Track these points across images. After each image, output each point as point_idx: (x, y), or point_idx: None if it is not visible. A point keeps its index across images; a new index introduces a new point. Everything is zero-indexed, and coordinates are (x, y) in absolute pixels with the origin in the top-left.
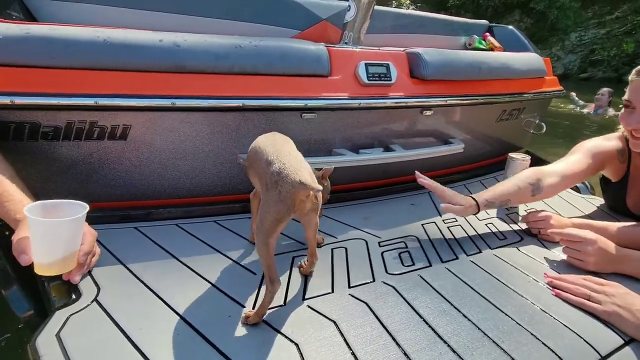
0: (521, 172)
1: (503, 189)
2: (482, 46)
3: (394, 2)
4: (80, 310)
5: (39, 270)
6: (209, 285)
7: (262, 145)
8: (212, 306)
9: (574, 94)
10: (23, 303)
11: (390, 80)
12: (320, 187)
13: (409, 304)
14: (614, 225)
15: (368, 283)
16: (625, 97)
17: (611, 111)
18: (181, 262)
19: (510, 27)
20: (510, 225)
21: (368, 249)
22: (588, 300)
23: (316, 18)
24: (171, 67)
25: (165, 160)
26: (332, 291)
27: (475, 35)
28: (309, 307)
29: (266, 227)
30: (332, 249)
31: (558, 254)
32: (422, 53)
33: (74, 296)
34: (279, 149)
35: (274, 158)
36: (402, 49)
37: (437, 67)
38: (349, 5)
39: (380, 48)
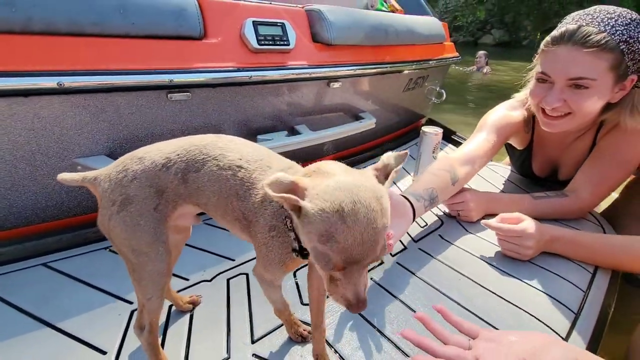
0: (432, 165)
1: (424, 181)
2: (383, 8)
3: None
4: None
5: None
6: None
7: None
8: None
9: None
10: None
11: (288, 44)
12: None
13: (329, 344)
14: (525, 199)
15: (277, 329)
16: (540, 69)
17: (488, 69)
18: None
19: None
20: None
21: None
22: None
23: None
24: None
25: None
26: (228, 355)
27: None
28: None
29: None
30: (227, 280)
31: (480, 236)
32: (325, 11)
33: None
34: None
35: None
36: (298, 5)
37: (343, 30)
38: None
39: (272, 2)
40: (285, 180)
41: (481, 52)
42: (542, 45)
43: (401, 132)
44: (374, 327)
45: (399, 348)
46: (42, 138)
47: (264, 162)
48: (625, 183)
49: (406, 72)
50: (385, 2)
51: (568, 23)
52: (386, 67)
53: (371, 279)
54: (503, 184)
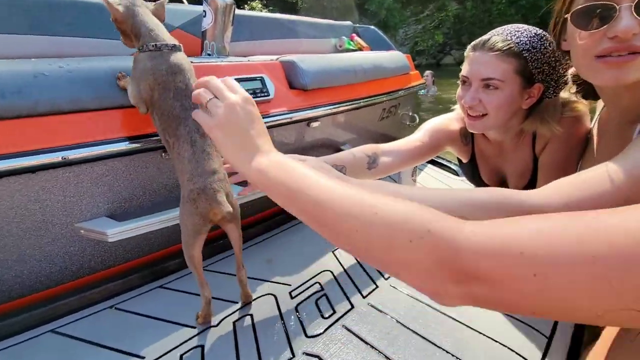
0: (358, 147)
1: (339, 155)
2: (351, 47)
3: (246, 6)
4: None
5: None
6: None
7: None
8: None
9: None
10: None
11: (269, 95)
12: (229, 209)
13: None
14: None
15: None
16: (463, 72)
17: (434, 89)
18: None
19: (373, 27)
20: None
21: (279, 307)
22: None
23: (167, 27)
24: None
25: None
26: None
27: (343, 37)
28: None
29: (186, 240)
30: (233, 323)
31: None
32: (298, 61)
33: None
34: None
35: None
36: (274, 57)
37: (316, 75)
38: (204, 11)
39: (250, 59)
40: None
41: (427, 72)
42: (465, 54)
43: None
44: (378, 350)
45: None
46: (47, 208)
47: None
48: None
49: (378, 104)
50: (352, 40)
51: (484, 35)
52: (359, 103)
53: (369, 304)
54: None
